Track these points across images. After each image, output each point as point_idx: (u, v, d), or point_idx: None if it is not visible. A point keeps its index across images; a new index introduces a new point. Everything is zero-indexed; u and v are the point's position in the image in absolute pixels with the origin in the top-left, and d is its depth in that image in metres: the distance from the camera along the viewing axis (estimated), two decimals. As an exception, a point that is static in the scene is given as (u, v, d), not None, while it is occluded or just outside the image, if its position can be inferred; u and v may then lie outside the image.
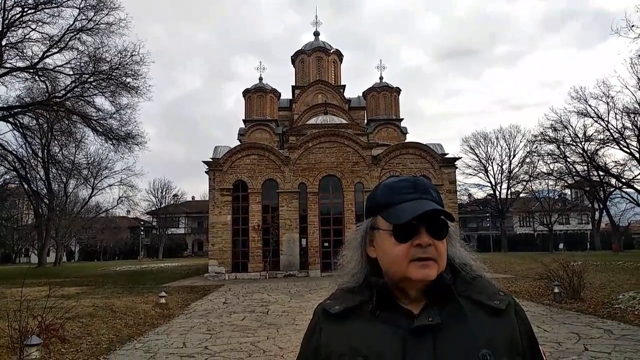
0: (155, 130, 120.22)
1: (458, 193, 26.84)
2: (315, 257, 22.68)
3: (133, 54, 26.56)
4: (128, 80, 27.30)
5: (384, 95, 33.14)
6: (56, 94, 27.16)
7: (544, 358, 1.13)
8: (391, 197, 1.11)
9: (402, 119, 33.18)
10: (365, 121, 33.30)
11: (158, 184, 62.29)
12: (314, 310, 1.20)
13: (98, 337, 8.17)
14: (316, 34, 36.43)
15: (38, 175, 38.01)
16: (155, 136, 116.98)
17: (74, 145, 35.54)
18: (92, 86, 27.58)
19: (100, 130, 29.03)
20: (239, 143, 27.44)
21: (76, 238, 52.45)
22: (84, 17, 25.64)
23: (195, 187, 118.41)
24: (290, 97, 34.77)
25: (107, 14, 25.69)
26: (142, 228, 62.05)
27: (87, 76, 26.96)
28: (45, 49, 25.89)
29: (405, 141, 27.47)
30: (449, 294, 1.07)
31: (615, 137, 34.35)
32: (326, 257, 23.01)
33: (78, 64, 26.83)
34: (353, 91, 51.29)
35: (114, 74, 26.93)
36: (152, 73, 74.25)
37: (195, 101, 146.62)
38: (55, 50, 26.22)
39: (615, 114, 33.97)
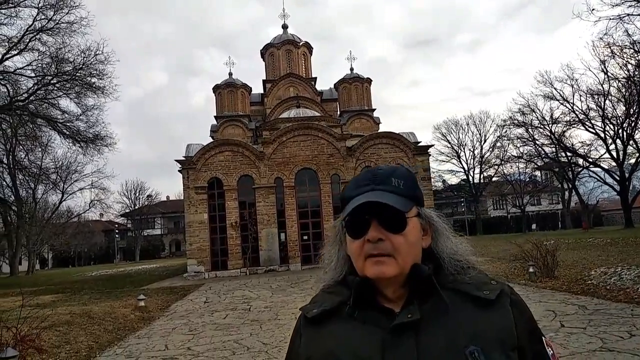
0: (124, 131, 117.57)
1: (432, 180, 27.18)
2: (295, 251, 22.69)
3: (97, 53, 25.85)
4: (93, 80, 26.59)
5: (356, 86, 33.18)
6: (18, 98, 26.23)
7: (550, 351, 1.04)
8: (352, 190, 1.06)
9: (374, 109, 33.31)
10: (338, 113, 33.33)
11: (131, 185, 61.16)
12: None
13: (77, 345, 7.98)
14: (284, 26, 36.15)
15: (4, 183, 36.76)
16: (124, 136, 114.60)
17: (40, 149, 34.51)
18: (55, 88, 26.75)
19: (67, 133, 28.21)
20: (212, 140, 27.11)
21: (48, 245, 51.00)
22: (43, 17, 24.79)
23: (170, 186, 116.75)
24: (262, 92, 34.47)
25: (67, 13, 24.88)
26: (116, 231, 60.83)
27: (50, 78, 26.11)
28: (4, 51, 24.96)
29: (379, 131, 27.62)
30: (429, 286, 0.99)
31: (581, 118, 35.30)
32: (306, 250, 23.05)
33: (40, 65, 25.99)
34: (324, 83, 51.32)
35: (77, 74, 26.16)
36: (117, 71, 72.41)
37: (164, 98, 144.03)
38: (15, 52, 25.30)
39: (580, 95, 34.90)
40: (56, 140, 38.43)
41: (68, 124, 28.13)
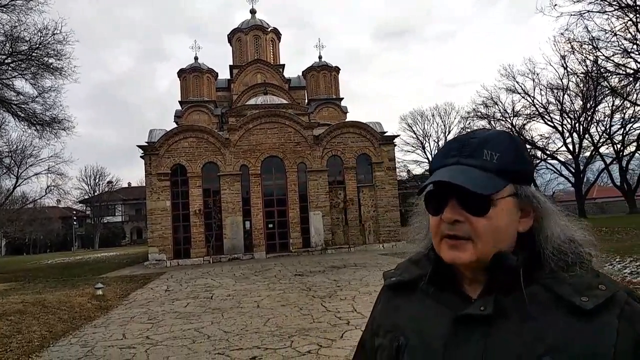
0: (84, 115, 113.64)
1: (397, 169, 27.56)
2: (260, 239, 22.57)
3: (55, 32, 24.60)
4: (50, 60, 25.35)
5: (324, 74, 33.06)
6: (-31, 77, 24.85)
7: None
8: (437, 160, 0.94)
9: (342, 98, 33.32)
10: (306, 101, 33.16)
11: (90, 171, 59.34)
12: None
13: (29, 335, 7.69)
14: (252, 11, 35.56)
15: (-47, 167, 34.87)
16: (85, 121, 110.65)
17: (-7, 132, 32.82)
18: (10, 68, 25.39)
19: (22, 115, 26.90)
20: (176, 125, 26.50)
21: (1, 231, 48.93)
22: (-4, -8, 23.41)
23: (132, 173, 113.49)
24: (229, 77, 33.89)
25: (23, -11, 23.58)
26: (74, 218, 58.89)
27: (3, 57, 24.78)
28: (-47, 27, 23.50)
29: (346, 120, 27.67)
30: (515, 279, 0.85)
31: (541, 112, 36.47)
32: (271, 238, 22.98)
33: (-8, 43, 24.59)
34: (293, 71, 50.84)
35: (34, 54, 24.91)
36: (79, 54, 69.65)
37: (127, 83, 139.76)
38: (-35, 28, 23.86)
39: (540, 89, 36.15)
40: (10, 123, 36.70)
41: (23, 106, 26.81)
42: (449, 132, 53.65)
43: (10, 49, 24.67)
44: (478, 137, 0.92)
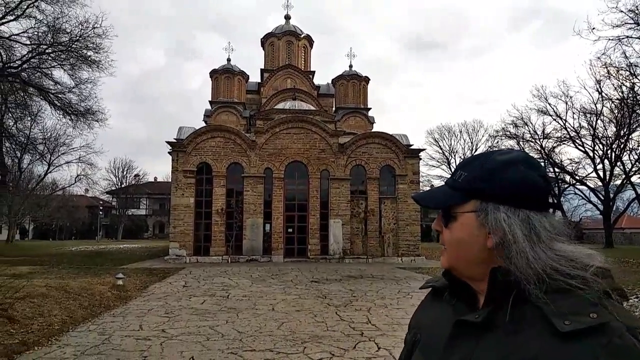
0: (116, 107, 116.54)
1: (421, 184, 27.34)
2: (279, 243, 22.69)
3: (95, 26, 25.46)
4: (89, 53, 26.19)
5: (353, 83, 33.17)
6: (11, 64, 25.79)
7: None
8: None
9: (369, 108, 33.35)
10: (334, 109, 33.30)
11: (119, 163, 60.67)
12: None
13: (50, 318, 7.92)
14: (287, 17, 35.98)
15: (-10, 149, 36.17)
16: (116, 113, 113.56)
17: (29, 118, 33.94)
18: (50, 58, 26.34)
19: (58, 104, 27.82)
20: (205, 124, 26.95)
21: (30, 216, 50.41)
22: (43, -16, 24.33)
23: (158, 167, 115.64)
24: (259, 81, 34.31)
25: (68, -18, 24.45)
26: (101, 208, 60.26)
27: (45, 47, 25.70)
28: (0, 15, 24.49)
29: (372, 130, 27.65)
30: (505, 295, 0.88)
31: (572, 135, 35.69)
32: (290, 242, 23.07)
33: (36, 33, 25.52)
34: (321, 77, 51.15)
35: (74, 46, 25.78)
36: (116, 47, 71.67)
37: (159, 79, 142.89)
38: (12, 17, 24.81)
39: (573, 113, 35.50)
40: (46, 111, 38.10)
41: (60, 95, 27.73)
42: (476, 150, 53.07)
43: (52, 40, 25.57)
44: (468, 159, 1.01)
